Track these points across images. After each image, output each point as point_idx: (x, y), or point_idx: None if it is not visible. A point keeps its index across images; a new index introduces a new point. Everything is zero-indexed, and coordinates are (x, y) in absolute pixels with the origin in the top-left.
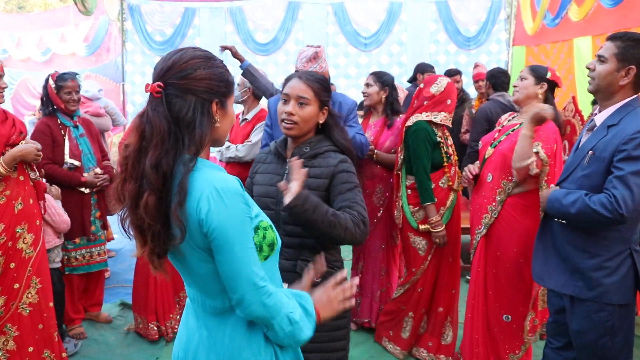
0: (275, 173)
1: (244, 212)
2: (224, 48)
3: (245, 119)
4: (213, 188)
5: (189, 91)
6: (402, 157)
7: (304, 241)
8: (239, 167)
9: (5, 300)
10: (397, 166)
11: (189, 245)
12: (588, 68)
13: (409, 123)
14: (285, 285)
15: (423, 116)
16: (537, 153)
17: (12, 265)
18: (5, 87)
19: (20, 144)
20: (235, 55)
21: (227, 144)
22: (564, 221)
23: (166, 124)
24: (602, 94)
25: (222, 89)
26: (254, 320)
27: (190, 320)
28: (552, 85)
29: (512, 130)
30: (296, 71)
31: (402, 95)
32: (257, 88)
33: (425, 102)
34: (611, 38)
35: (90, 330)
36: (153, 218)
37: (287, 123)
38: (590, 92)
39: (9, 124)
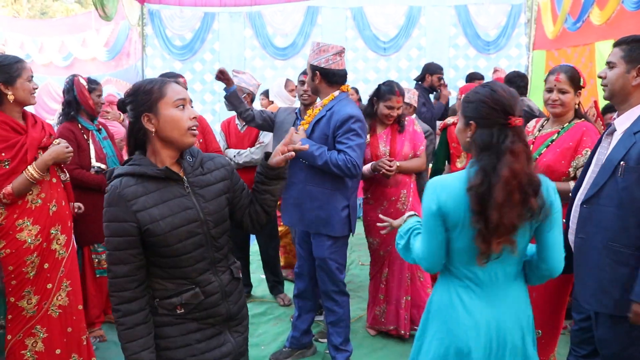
0: (178, 196)
1: None
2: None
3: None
4: (549, 180)
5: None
6: None
7: (229, 247)
8: (252, 171)
9: (39, 300)
10: None
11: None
12: (600, 77)
13: None
14: None
15: None
16: None
17: (46, 265)
18: (36, 88)
19: (50, 146)
20: (224, 77)
21: (234, 150)
22: None
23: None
24: (617, 97)
25: None
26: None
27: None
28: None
29: (552, 141)
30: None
31: (414, 98)
32: (240, 113)
33: None
34: (616, 44)
35: (109, 333)
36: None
37: (195, 128)
38: (605, 99)
39: (39, 127)
